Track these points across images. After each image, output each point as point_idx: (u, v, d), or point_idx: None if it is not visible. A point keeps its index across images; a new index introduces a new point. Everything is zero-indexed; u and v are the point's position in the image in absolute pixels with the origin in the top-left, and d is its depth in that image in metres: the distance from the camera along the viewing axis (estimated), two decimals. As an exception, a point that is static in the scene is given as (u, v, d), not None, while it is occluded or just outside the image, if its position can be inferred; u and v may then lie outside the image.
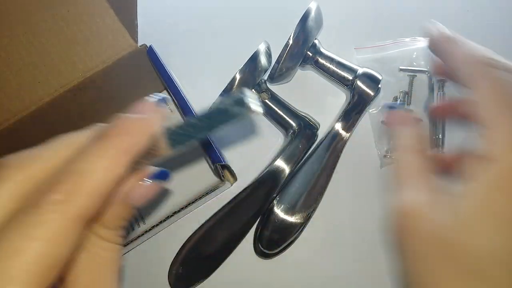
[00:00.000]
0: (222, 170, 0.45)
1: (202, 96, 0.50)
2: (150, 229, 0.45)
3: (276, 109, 0.48)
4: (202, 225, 0.45)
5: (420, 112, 0.49)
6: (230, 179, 0.48)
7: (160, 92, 0.50)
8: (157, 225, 0.45)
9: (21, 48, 0.39)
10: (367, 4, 0.54)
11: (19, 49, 0.39)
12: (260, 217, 0.46)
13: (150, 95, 0.25)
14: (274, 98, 0.48)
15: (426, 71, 0.50)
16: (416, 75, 0.50)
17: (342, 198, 0.47)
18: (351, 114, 0.46)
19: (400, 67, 0.50)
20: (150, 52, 0.43)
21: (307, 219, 0.45)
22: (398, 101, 0.49)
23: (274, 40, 0.47)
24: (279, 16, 0.54)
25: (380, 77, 0.46)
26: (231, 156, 0.48)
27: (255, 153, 0.49)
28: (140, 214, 0.45)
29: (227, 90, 0.44)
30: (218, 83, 0.45)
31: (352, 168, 0.48)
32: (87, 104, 0.43)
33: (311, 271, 0.46)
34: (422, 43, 0.51)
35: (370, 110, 0.49)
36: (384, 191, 0.47)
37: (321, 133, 0.48)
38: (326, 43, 0.50)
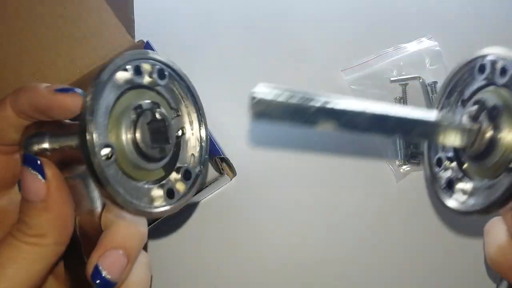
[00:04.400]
0: (221, 163, 0.45)
1: (199, 91, 0.50)
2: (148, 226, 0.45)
3: None
4: None
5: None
6: (229, 173, 0.48)
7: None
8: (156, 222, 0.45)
9: (19, 46, 0.39)
10: (343, 23, 0.54)
11: (16, 46, 0.39)
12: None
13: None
14: None
15: (417, 77, 0.50)
16: (408, 83, 0.50)
17: (364, 219, 0.47)
18: None
19: (391, 79, 0.50)
20: (147, 48, 0.43)
21: None
22: None
23: (274, 41, 0.47)
24: (279, 17, 0.54)
25: None
26: (230, 150, 0.48)
27: (255, 148, 0.49)
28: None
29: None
30: (215, 78, 0.45)
31: (371, 189, 0.48)
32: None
33: None
34: (406, 50, 0.51)
35: None
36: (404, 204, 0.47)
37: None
38: (312, 70, 0.51)
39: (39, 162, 0.24)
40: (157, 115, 0.26)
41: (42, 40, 0.39)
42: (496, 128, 0.24)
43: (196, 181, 0.29)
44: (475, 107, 0.26)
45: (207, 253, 0.47)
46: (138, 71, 0.25)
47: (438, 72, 0.50)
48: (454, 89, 0.28)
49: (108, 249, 0.25)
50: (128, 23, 0.40)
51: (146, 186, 0.26)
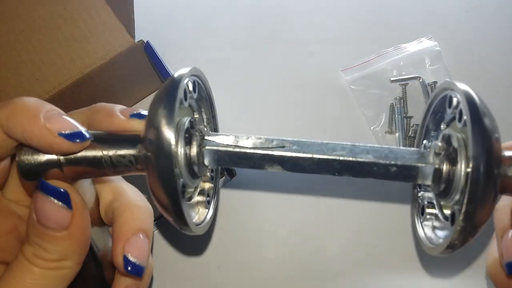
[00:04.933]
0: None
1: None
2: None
3: None
4: None
5: (420, 118, 0.49)
6: (229, 173, 0.48)
7: (158, 88, 0.49)
8: (154, 221, 0.45)
9: (19, 46, 0.39)
10: (343, 23, 0.54)
11: (16, 46, 0.39)
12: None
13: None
14: None
15: (417, 77, 0.50)
16: (408, 83, 0.50)
17: (364, 219, 0.47)
18: None
19: (391, 79, 0.50)
20: (147, 48, 0.43)
21: None
22: (395, 108, 0.49)
23: (274, 41, 0.47)
24: (279, 17, 0.54)
25: None
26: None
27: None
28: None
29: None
30: (216, 79, 0.45)
31: (371, 189, 0.48)
32: (85, 101, 0.43)
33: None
34: (406, 50, 0.51)
35: (372, 127, 0.49)
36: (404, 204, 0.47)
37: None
38: (312, 70, 0.51)
39: (62, 190, 0.22)
40: (198, 132, 0.26)
41: (42, 40, 0.39)
42: (453, 169, 0.24)
43: (217, 178, 0.30)
44: (441, 144, 0.25)
45: (207, 253, 0.47)
46: (185, 91, 0.25)
47: (438, 72, 0.50)
48: (438, 110, 0.28)
49: (130, 236, 0.25)
50: (128, 23, 0.40)
51: (193, 200, 0.27)
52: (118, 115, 0.25)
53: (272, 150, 0.24)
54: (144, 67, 0.45)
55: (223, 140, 0.25)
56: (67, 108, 0.42)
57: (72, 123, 0.22)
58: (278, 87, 0.51)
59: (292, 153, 0.24)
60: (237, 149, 0.25)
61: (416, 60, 0.51)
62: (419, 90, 0.50)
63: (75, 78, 0.39)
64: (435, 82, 0.50)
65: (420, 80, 0.50)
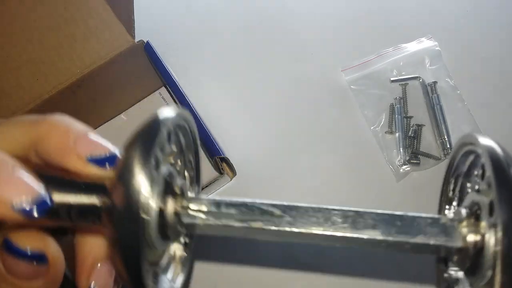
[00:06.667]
0: (221, 163, 0.45)
1: (199, 91, 0.50)
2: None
3: None
4: None
5: (420, 118, 0.49)
6: (229, 172, 0.48)
7: (158, 88, 0.49)
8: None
9: (19, 46, 0.39)
10: (343, 23, 0.53)
11: (17, 46, 0.39)
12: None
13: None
14: None
15: (417, 77, 0.50)
16: (408, 83, 0.50)
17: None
18: None
19: (391, 79, 0.50)
20: (147, 48, 0.43)
21: None
22: (395, 108, 0.49)
23: (274, 41, 0.47)
24: (279, 17, 0.54)
25: None
26: (230, 150, 0.48)
27: (254, 147, 0.49)
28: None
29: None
30: (215, 78, 0.45)
31: (370, 189, 0.48)
32: (85, 101, 0.43)
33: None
34: (406, 50, 0.51)
35: (372, 127, 0.49)
36: (404, 204, 0.47)
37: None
38: (312, 70, 0.51)
39: (36, 253, 0.19)
40: (176, 189, 0.22)
41: (42, 40, 0.39)
42: (481, 242, 0.19)
43: (192, 247, 0.27)
44: (465, 212, 0.21)
45: (207, 253, 0.47)
46: (169, 135, 0.21)
47: (438, 72, 0.50)
48: (461, 169, 0.24)
49: (95, 266, 0.22)
50: (128, 23, 0.40)
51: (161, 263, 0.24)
52: (73, 157, 0.20)
53: (260, 224, 0.21)
54: (144, 67, 0.45)
55: (203, 207, 0.22)
56: (68, 108, 0.42)
57: (100, 149, 0.20)
58: (278, 87, 0.51)
59: (284, 227, 0.21)
60: (219, 222, 0.21)
61: (416, 60, 0.51)
62: (419, 90, 0.50)
63: (75, 78, 0.39)
64: (435, 82, 0.50)
65: (420, 80, 0.50)
